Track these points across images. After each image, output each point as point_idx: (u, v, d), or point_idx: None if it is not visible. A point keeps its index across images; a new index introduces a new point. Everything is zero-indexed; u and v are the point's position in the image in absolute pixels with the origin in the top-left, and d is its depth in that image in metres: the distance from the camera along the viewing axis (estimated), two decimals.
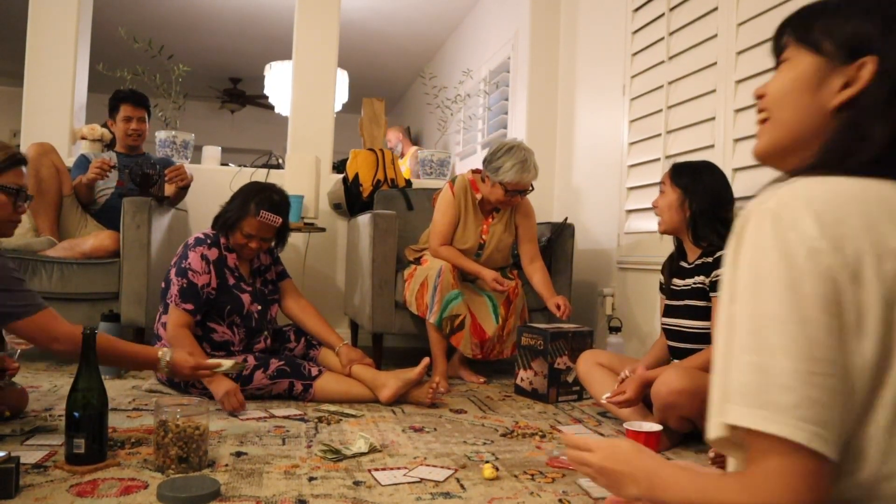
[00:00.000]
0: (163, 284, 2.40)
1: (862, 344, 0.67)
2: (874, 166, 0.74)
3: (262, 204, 2.35)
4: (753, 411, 0.67)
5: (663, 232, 2.15)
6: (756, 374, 0.68)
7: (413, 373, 2.33)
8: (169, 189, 3.09)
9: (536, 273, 2.94)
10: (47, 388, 2.39)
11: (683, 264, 2.14)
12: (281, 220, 2.40)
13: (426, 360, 2.37)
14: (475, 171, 2.98)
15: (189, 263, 2.31)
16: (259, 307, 2.45)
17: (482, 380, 2.82)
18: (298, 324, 2.59)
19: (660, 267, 2.28)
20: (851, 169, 0.74)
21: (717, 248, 2.02)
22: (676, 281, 2.15)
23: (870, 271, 0.67)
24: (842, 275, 0.67)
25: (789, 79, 0.82)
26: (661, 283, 2.26)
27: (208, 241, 2.37)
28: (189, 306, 2.27)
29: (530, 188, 2.86)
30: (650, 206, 2.18)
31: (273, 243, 2.53)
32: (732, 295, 0.72)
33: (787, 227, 0.68)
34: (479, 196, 2.92)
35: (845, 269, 0.67)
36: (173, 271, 2.33)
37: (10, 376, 1.93)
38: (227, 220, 2.39)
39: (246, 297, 2.41)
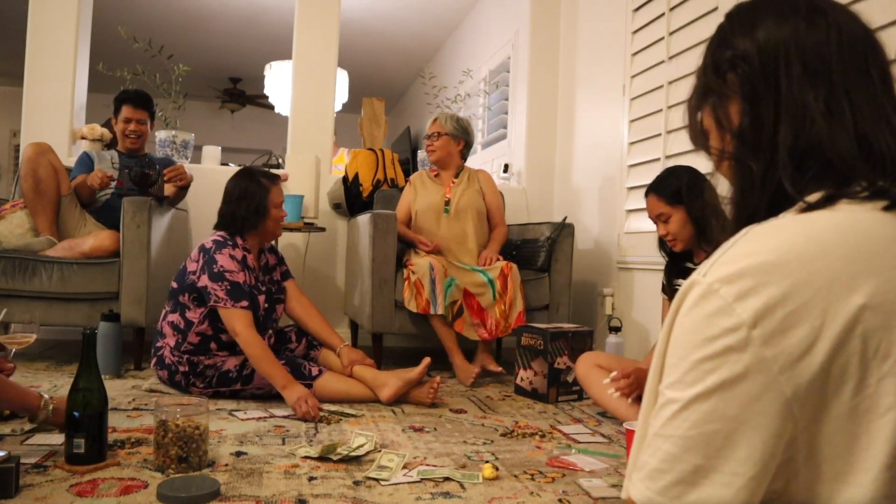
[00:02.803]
0: (174, 284, 2.37)
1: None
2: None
3: (266, 175, 2.43)
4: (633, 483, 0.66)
5: (682, 250, 2.14)
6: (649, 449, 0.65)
7: (413, 373, 2.33)
8: (168, 189, 3.09)
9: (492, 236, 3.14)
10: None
11: (689, 265, 2.15)
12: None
13: (427, 360, 2.37)
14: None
15: (222, 266, 2.27)
16: (267, 306, 2.45)
17: (500, 369, 2.80)
18: (301, 324, 2.59)
19: (659, 266, 2.28)
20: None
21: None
22: (680, 281, 2.15)
23: (819, 356, 0.58)
24: (774, 368, 0.58)
25: None
26: (663, 285, 2.26)
27: (229, 243, 2.35)
28: (244, 303, 2.25)
29: (440, 130, 3.12)
30: (659, 235, 2.18)
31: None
32: (656, 367, 0.67)
33: (720, 312, 0.60)
34: (434, 173, 3.21)
35: (780, 363, 0.58)
36: (205, 277, 2.26)
37: (7, 376, 1.93)
38: (249, 211, 2.37)
39: (262, 298, 2.41)
